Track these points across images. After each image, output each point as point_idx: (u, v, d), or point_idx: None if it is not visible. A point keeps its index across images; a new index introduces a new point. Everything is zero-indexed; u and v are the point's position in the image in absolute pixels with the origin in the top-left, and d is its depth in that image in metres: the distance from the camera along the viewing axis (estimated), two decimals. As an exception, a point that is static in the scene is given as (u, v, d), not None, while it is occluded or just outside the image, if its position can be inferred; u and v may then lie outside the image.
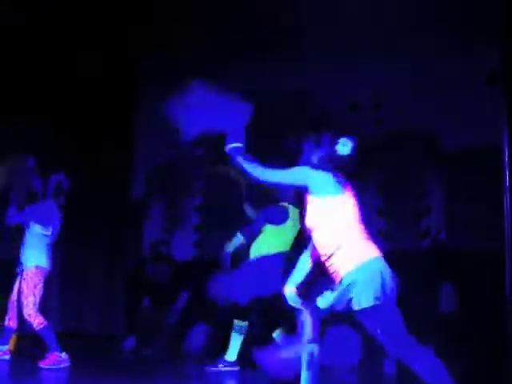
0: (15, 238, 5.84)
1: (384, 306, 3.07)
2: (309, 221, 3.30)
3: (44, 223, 5.61)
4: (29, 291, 5.50)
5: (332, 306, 3.17)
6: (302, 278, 3.46)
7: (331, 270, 3.22)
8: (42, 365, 5.38)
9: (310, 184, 3.23)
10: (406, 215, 6.92)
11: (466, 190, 6.61)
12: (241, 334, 5.47)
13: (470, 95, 6.63)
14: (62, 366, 5.39)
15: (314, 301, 3.35)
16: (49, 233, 5.63)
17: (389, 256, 3.23)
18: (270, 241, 5.45)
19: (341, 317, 3.31)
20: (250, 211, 5.87)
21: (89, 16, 6.99)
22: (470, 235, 6.50)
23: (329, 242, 3.20)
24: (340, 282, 3.17)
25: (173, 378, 5.44)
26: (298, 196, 5.40)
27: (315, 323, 3.34)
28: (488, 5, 6.03)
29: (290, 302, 3.45)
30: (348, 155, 3.26)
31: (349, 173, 3.30)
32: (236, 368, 5.50)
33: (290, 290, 3.46)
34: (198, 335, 6.90)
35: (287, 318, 5.33)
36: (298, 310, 3.39)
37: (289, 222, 5.47)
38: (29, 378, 5.16)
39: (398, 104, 7.05)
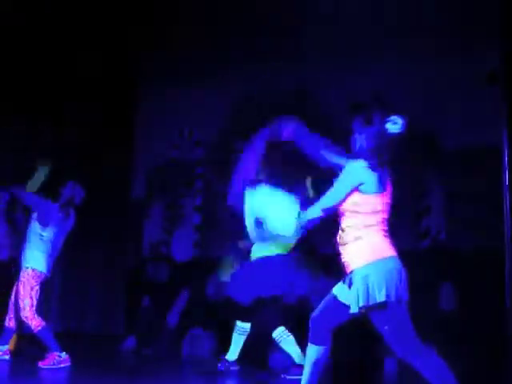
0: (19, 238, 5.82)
1: (394, 305, 3.08)
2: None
3: (41, 221, 5.59)
4: (25, 293, 5.48)
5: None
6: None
7: (344, 259, 3.24)
8: (41, 365, 5.37)
9: (359, 183, 3.20)
10: (405, 215, 6.92)
11: (466, 190, 6.61)
12: (242, 335, 5.47)
13: (470, 95, 6.63)
14: (62, 365, 5.39)
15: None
16: (44, 233, 5.59)
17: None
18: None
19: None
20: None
21: (89, 16, 6.99)
22: (469, 235, 6.51)
23: (349, 232, 3.22)
24: (350, 273, 3.19)
25: (173, 378, 5.43)
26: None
27: (324, 326, 3.35)
28: (488, 5, 6.04)
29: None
30: (398, 133, 3.23)
31: (396, 153, 3.27)
32: (236, 368, 5.50)
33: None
34: (198, 335, 6.90)
35: (289, 319, 5.34)
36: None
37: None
38: (29, 378, 5.15)
39: (397, 104, 7.04)
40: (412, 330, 3.12)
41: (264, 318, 5.37)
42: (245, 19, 7.07)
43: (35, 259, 5.56)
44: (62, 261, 6.50)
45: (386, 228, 3.24)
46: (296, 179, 5.40)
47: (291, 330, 5.29)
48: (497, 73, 5.73)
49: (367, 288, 3.09)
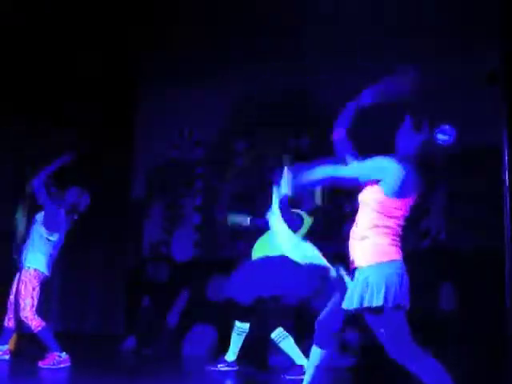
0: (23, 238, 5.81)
1: (391, 310, 3.05)
2: (360, 197, 3.25)
3: (49, 226, 5.59)
4: (26, 293, 5.49)
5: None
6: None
7: (350, 253, 3.22)
8: (41, 365, 5.38)
9: (383, 178, 3.12)
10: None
11: (466, 189, 6.61)
12: (241, 335, 5.47)
13: (470, 95, 6.63)
14: (62, 365, 5.39)
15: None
16: (52, 238, 5.60)
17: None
18: (276, 243, 5.41)
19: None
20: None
21: (89, 16, 6.99)
22: (469, 235, 6.50)
23: (360, 229, 3.19)
24: (352, 270, 3.18)
25: (173, 378, 5.43)
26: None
27: (330, 329, 3.34)
28: (488, 5, 6.04)
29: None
30: (447, 145, 3.13)
31: (437, 166, 3.19)
32: (236, 368, 5.51)
33: None
34: (198, 335, 6.90)
35: (287, 320, 5.35)
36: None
37: (301, 230, 5.43)
38: (29, 378, 5.15)
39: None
40: (408, 335, 3.09)
41: (263, 319, 5.37)
42: (245, 19, 7.07)
43: (37, 260, 5.56)
44: (62, 261, 6.50)
45: (398, 233, 3.19)
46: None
47: (290, 330, 5.30)
48: (497, 73, 5.74)
49: (365, 290, 3.06)
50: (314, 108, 7.31)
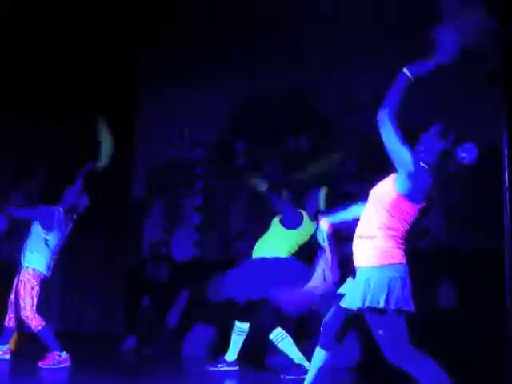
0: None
1: (392, 312, 3.04)
2: (373, 191, 3.23)
3: (44, 225, 5.60)
4: (26, 293, 5.49)
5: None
6: (339, 221, 3.48)
7: (354, 251, 3.21)
8: (41, 364, 5.38)
9: (407, 172, 3.07)
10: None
11: (466, 189, 6.61)
12: (241, 335, 5.47)
13: (470, 95, 6.63)
14: (62, 365, 5.39)
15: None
16: (48, 237, 5.60)
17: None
18: (276, 242, 5.42)
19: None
20: None
21: (89, 16, 6.98)
22: (469, 235, 6.50)
23: (366, 227, 3.17)
24: (354, 269, 3.18)
25: (173, 378, 5.44)
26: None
27: (333, 329, 3.35)
28: (488, 5, 6.03)
29: (319, 235, 3.43)
30: (465, 163, 3.10)
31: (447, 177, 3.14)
32: (236, 368, 5.51)
33: (325, 223, 3.45)
34: (198, 335, 6.90)
35: (286, 320, 5.35)
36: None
37: (300, 229, 5.43)
38: (29, 378, 5.15)
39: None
40: (406, 337, 3.08)
41: (263, 319, 5.37)
42: (245, 19, 7.06)
43: (36, 259, 5.57)
44: (62, 261, 6.50)
45: (404, 237, 3.17)
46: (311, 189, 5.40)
47: (289, 330, 5.30)
48: (497, 73, 5.73)
49: (367, 290, 3.06)
50: (313, 108, 7.32)
